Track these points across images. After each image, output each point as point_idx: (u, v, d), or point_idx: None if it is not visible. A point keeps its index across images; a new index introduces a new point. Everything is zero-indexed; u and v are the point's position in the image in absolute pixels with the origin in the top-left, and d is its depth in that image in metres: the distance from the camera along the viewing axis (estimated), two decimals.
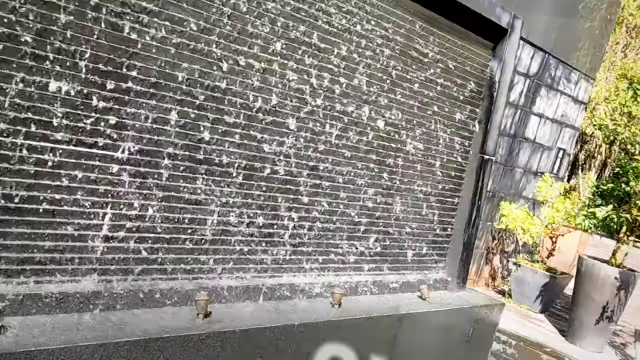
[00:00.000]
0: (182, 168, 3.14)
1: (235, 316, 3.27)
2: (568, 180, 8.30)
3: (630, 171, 5.78)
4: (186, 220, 3.23)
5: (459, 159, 5.11)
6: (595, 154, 9.23)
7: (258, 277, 3.68)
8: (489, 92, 5.11)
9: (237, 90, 3.32)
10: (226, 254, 3.47)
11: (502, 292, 7.22)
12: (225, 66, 3.23)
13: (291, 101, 3.62)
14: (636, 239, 5.90)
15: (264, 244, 3.67)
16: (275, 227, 3.71)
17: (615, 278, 5.82)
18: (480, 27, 4.90)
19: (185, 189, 3.19)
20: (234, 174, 3.39)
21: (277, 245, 3.76)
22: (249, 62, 3.35)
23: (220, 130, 3.27)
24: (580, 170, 9.27)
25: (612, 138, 7.76)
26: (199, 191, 3.25)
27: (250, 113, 3.40)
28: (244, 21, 3.28)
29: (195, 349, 2.92)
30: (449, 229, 5.19)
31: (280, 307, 3.63)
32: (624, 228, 5.96)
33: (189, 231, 3.26)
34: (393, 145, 4.42)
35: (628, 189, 5.79)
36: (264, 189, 3.58)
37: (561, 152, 7.95)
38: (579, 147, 9.31)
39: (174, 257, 3.22)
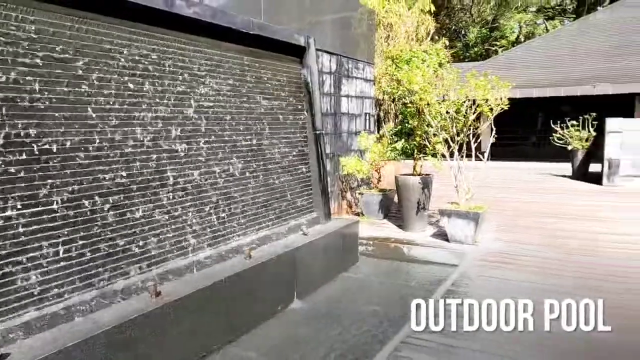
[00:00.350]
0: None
1: (179, 289, 3.17)
2: (378, 132, 8.64)
3: (407, 114, 6.12)
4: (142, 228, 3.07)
5: (303, 137, 5.18)
6: (389, 110, 9.70)
7: (191, 257, 3.57)
8: (306, 89, 5.19)
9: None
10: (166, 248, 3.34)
11: (358, 214, 7.47)
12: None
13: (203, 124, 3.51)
14: (424, 156, 6.26)
15: (191, 231, 3.56)
16: (199, 217, 3.61)
17: (419, 182, 6.20)
18: (289, 49, 4.94)
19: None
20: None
21: (201, 230, 3.67)
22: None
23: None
24: (383, 123, 9.69)
25: (393, 97, 8.22)
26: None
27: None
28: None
29: (156, 319, 2.82)
30: (309, 184, 5.27)
31: (210, 272, 3.56)
32: (415, 151, 6.34)
33: (143, 233, 3.10)
34: (266, 137, 4.42)
35: (409, 126, 6.14)
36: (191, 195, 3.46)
37: (368, 115, 8.24)
38: (378, 108, 9.71)
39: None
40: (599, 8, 24.76)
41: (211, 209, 3.82)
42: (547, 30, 27.91)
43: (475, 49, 30.82)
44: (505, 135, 17.53)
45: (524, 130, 17.66)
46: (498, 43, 30.14)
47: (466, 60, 28.33)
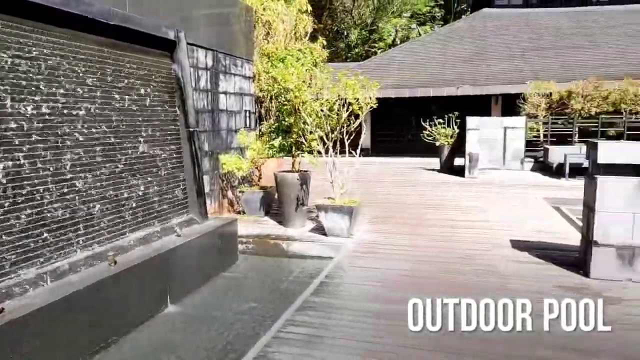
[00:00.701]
0: None
1: (27, 304, 2.87)
2: (259, 129, 8.63)
3: (284, 112, 6.20)
4: None
5: (175, 134, 5.00)
6: (270, 108, 9.74)
7: (44, 266, 3.25)
8: (178, 85, 5.01)
9: None
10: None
11: (239, 212, 7.40)
12: None
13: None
14: (301, 153, 6.37)
15: (43, 238, 3.24)
16: (53, 222, 3.28)
17: (298, 179, 6.32)
18: (157, 43, 4.74)
19: None
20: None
21: (56, 237, 3.35)
22: None
23: None
24: (265, 120, 9.70)
25: (270, 95, 8.29)
26: None
27: None
28: None
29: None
30: (184, 183, 5.10)
31: (66, 282, 3.28)
32: (293, 148, 6.45)
33: None
34: (132, 135, 4.16)
35: (286, 123, 6.23)
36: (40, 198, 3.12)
37: (248, 112, 8.19)
38: (259, 106, 9.70)
39: None
40: (463, 17, 27.32)
41: (68, 213, 3.52)
42: (420, 35, 30.12)
43: (357, 50, 32.23)
44: (384, 132, 18.75)
45: (401, 128, 18.87)
46: (377, 45, 31.84)
47: (348, 60, 29.51)
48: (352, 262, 5.02)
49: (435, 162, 13.47)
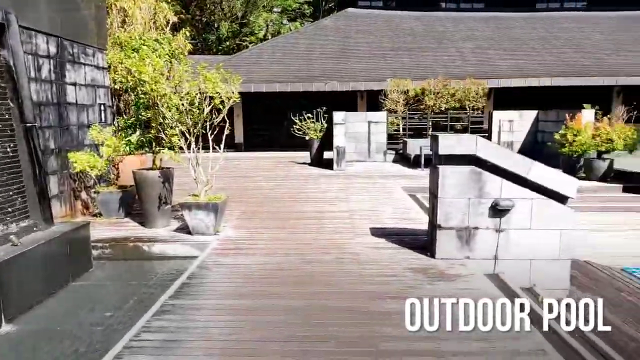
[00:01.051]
0: None
1: None
2: (119, 124, 7.99)
3: (141, 106, 5.82)
4: None
5: (8, 131, 4.39)
6: (130, 101, 9.03)
7: None
8: (9, 75, 4.40)
9: None
10: None
11: (96, 215, 6.80)
12: None
13: None
14: (162, 149, 6.02)
15: None
16: None
17: (159, 177, 6.00)
18: None
19: None
20: None
21: None
22: None
23: None
24: (124, 115, 8.99)
25: (126, 87, 7.75)
26: None
27: None
28: None
29: None
30: (22, 185, 4.52)
31: None
32: (153, 144, 6.08)
33: None
34: None
35: (143, 118, 5.86)
36: None
37: (103, 106, 7.55)
38: (117, 99, 8.97)
39: None
40: (330, 15, 28.29)
41: None
42: (291, 30, 30.53)
43: (228, 43, 31.64)
44: (257, 127, 18.68)
45: (273, 123, 18.99)
46: (248, 39, 31.58)
47: (219, 53, 28.85)
48: (217, 260, 4.91)
49: (307, 156, 13.80)
